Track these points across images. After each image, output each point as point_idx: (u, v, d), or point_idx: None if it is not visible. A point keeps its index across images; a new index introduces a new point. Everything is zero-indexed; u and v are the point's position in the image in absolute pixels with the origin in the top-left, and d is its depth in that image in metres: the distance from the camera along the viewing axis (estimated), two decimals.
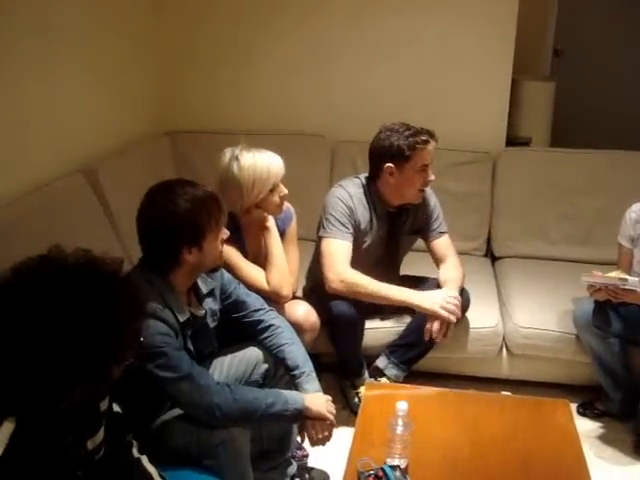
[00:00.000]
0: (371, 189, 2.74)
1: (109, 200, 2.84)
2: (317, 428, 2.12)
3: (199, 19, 3.70)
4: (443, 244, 2.83)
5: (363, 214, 2.72)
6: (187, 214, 1.92)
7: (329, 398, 2.18)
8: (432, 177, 2.68)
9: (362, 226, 2.72)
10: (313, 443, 2.16)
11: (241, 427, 1.94)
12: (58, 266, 1.30)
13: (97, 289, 1.30)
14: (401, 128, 2.64)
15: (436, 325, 2.60)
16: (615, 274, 2.58)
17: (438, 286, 2.73)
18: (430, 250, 2.86)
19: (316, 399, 2.12)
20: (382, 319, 2.85)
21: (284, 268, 2.50)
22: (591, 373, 2.82)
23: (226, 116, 3.77)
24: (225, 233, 2.07)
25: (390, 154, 2.63)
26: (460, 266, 2.80)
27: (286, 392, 2.08)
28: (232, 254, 2.41)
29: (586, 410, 2.87)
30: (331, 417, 2.13)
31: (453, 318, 2.60)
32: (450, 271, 2.76)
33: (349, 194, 2.70)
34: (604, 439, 2.73)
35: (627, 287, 2.47)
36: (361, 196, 2.73)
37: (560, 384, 2.95)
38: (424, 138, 2.61)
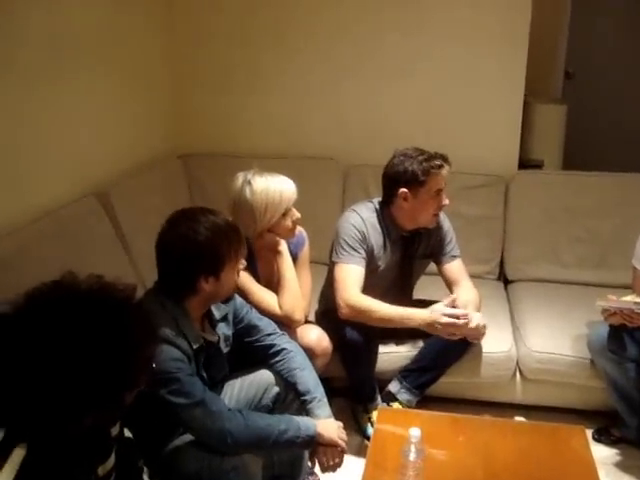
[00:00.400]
0: (384, 213, 2.74)
1: (122, 223, 2.85)
2: (328, 455, 2.10)
3: (212, 42, 3.73)
4: (456, 268, 2.81)
5: (376, 239, 2.72)
6: (208, 243, 1.92)
7: (340, 424, 2.16)
8: (446, 201, 2.68)
9: (375, 251, 2.71)
10: (324, 469, 2.14)
11: (253, 453, 1.93)
12: (71, 293, 1.31)
13: (110, 316, 1.30)
14: (415, 153, 2.64)
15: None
16: (630, 298, 2.56)
17: None
18: (442, 274, 2.84)
19: (328, 425, 2.10)
20: (395, 344, 2.84)
21: (296, 292, 2.49)
22: (606, 398, 2.78)
23: (239, 139, 3.79)
24: (242, 264, 2.07)
25: (404, 179, 2.63)
26: (475, 290, 2.78)
27: (298, 418, 2.07)
28: (244, 278, 2.41)
29: (602, 436, 2.83)
30: (342, 444, 2.11)
31: (455, 337, 2.58)
32: (467, 294, 2.73)
33: (362, 219, 2.70)
34: (621, 466, 2.69)
35: None
36: (374, 220, 2.73)
37: (574, 409, 2.92)
38: (438, 163, 2.61)
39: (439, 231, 2.82)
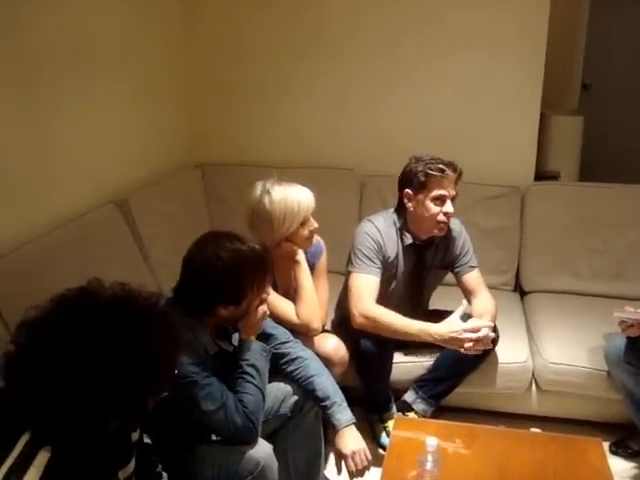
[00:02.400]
0: (400, 221, 2.75)
1: (140, 231, 2.89)
2: (356, 459, 2.12)
3: (230, 53, 3.76)
4: (474, 278, 2.81)
5: (391, 248, 2.72)
6: (230, 272, 1.93)
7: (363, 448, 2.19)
8: (450, 209, 2.64)
9: (390, 260, 2.72)
10: (353, 475, 2.15)
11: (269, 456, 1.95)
12: (96, 299, 1.33)
13: (134, 323, 1.32)
14: (426, 157, 2.66)
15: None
16: None
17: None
18: (461, 285, 2.83)
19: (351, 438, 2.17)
20: (411, 353, 2.84)
21: (314, 301, 2.51)
22: (623, 410, 2.76)
23: (257, 149, 3.82)
24: (267, 293, 2.09)
25: (408, 180, 2.67)
26: (493, 300, 2.77)
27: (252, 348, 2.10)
28: None
29: (619, 449, 2.81)
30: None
31: (472, 353, 2.56)
32: (484, 306, 2.73)
33: (377, 229, 2.71)
34: (638, 479, 2.67)
35: None
36: (389, 230, 2.74)
37: (591, 421, 2.90)
38: (440, 167, 2.61)
39: (456, 242, 2.82)
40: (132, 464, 1.53)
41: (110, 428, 1.35)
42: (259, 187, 2.48)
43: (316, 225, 2.52)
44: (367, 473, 2.17)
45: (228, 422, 1.92)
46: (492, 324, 2.62)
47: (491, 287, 2.95)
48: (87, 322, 1.28)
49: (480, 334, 2.53)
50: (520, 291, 3.55)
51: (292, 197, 2.44)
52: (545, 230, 3.49)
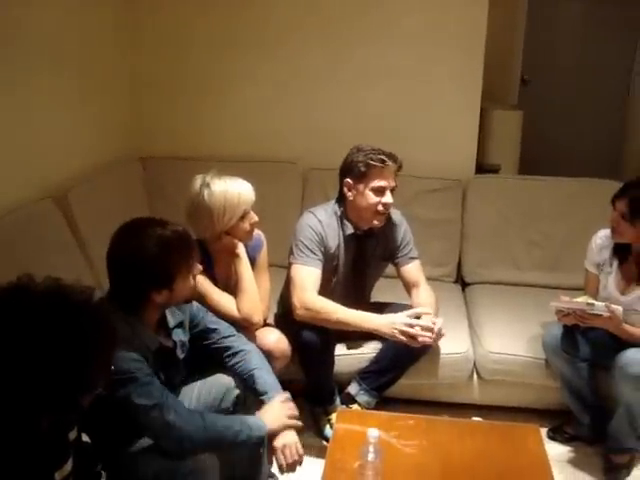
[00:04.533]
0: (341, 212, 2.76)
1: (80, 226, 2.83)
2: (286, 453, 2.08)
3: (173, 46, 3.72)
4: (414, 270, 2.83)
5: (333, 238, 2.73)
6: (157, 259, 1.90)
7: (284, 398, 2.17)
8: (390, 200, 2.66)
9: (332, 251, 2.73)
10: (283, 470, 2.12)
11: (209, 454, 1.93)
12: (28, 295, 1.29)
13: (66, 318, 1.28)
14: (367, 148, 2.67)
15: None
16: (582, 299, 2.62)
17: None
18: (401, 276, 2.86)
19: (272, 415, 2.10)
20: (353, 345, 2.85)
21: (255, 295, 2.49)
22: (560, 397, 2.84)
23: (199, 143, 3.78)
24: (198, 269, 2.06)
25: (348, 170, 2.68)
26: (432, 292, 2.81)
27: (250, 419, 2.06)
28: (202, 282, 2.38)
29: (556, 434, 2.89)
30: (292, 422, 2.12)
31: (416, 344, 2.59)
32: (424, 297, 2.77)
33: (319, 220, 2.71)
34: (574, 463, 2.75)
35: (594, 312, 2.50)
36: (331, 221, 2.74)
37: (531, 409, 2.97)
38: (381, 157, 2.62)
39: (396, 233, 2.84)
40: (69, 464, 1.50)
41: (44, 427, 1.32)
42: (199, 180, 2.45)
43: (256, 218, 2.49)
44: (299, 468, 2.12)
45: (163, 422, 1.88)
46: (433, 316, 2.65)
47: (433, 279, 2.99)
48: (17, 318, 1.25)
49: (421, 322, 2.57)
50: (461, 283, 3.61)
51: (232, 190, 2.41)
52: (486, 222, 3.55)
